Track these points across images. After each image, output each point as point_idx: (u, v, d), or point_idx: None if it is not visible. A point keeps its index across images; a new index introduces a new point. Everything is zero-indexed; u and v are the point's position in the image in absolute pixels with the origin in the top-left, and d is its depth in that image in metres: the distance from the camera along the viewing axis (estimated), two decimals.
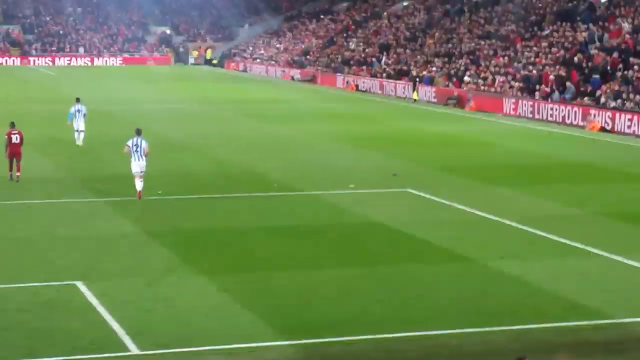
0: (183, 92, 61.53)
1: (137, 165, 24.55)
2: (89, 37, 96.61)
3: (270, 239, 21.03)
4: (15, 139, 27.04)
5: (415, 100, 58.09)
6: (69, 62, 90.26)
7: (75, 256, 19.20)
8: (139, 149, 24.53)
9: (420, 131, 42.83)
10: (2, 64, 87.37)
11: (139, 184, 24.72)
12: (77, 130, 34.80)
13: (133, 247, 20.08)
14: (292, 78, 76.70)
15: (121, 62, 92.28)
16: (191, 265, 18.59)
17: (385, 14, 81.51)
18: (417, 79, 59.97)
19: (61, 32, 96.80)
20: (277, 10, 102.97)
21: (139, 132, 24.99)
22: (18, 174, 26.92)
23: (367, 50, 74.11)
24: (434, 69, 61.73)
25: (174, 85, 69.14)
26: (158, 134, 38.58)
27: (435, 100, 57.31)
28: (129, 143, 24.76)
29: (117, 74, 78.92)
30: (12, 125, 27.70)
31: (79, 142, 34.69)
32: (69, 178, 28.49)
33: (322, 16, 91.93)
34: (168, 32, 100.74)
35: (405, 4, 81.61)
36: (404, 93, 60.41)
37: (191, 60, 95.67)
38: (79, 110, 34.70)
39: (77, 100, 35.42)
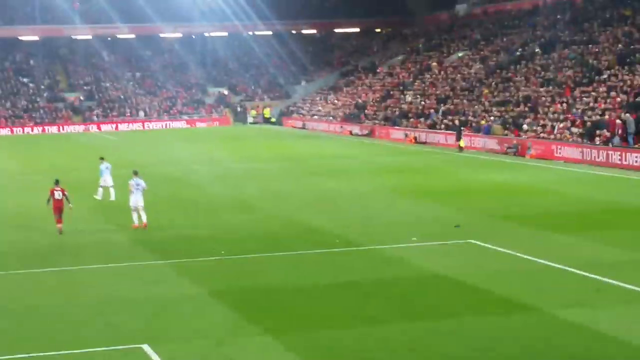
0: (245, 152, 61.96)
1: (136, 200, 29.87)
2: (148, 101, 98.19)
3: (334, 296, 21.01)
4: (57, 195, 29.51)
5: (461, 148, 58.61)
6: (129, 126, 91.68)
7: (140, 319, 19.33)
8: (139, 187, 29.87)
9: (479, 181, 42.64)
10: (68, 131, 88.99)
11: (143, 216, 29.91)
12: (107, 186, 37.08)
13: (197, 308, 20.16)
14: (351, 133, 77.05)
15: (181, 124, 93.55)
16: (256, 325, 18.55)
17: (437, 65, 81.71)
18: (461, 128, 60.86)
19: (121, 97, 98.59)
20: (332, 66, 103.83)
21: (136, 173, 30.32)
22: (60, 225, 29.57)
23: (423, 102, 74.24)
24: (492, 117, 61.65)
25: (235, 144, 69.67)
26: (218, 194, 38.88)
27: (494, 148, 57.21)
28: (131, 182, 29.90)
29: (178, 136, 79.90)
30: (57, 182, 30.14)
31: (112, 198, 36.75)
32: (129, 240, 28.72)
33: (377, 70, 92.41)
34: (226, 92, 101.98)
35: (460, 54, 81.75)
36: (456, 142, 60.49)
37: (250, 120, 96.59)
38: (107, 168, 37.47)
39: (102, 159, 38.15)
